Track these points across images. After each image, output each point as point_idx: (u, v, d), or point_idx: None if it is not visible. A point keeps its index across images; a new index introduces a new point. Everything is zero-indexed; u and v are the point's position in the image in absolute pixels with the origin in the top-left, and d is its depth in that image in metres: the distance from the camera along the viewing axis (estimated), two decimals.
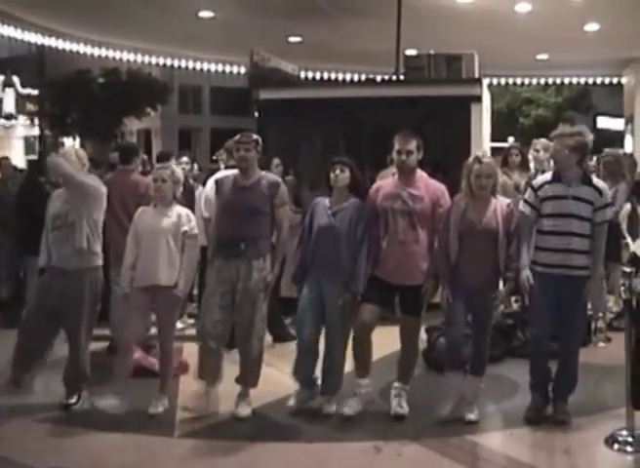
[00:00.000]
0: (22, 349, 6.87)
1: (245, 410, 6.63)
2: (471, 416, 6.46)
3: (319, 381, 6.82)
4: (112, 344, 8.16)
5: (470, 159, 6.50)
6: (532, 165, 10.33)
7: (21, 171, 14.55)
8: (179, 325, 8.43)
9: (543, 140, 9.81)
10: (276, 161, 9.69)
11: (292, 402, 6.79)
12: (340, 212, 6.63)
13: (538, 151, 9.73)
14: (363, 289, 6.52)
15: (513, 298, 10.18)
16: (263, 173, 6.91)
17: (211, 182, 8.37)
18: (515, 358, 8.18)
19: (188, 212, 6.94)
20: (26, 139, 32.30)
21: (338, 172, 6.66)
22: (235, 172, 6.95)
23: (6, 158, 12.40)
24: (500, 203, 6.46)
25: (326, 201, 6.74)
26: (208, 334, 6.65)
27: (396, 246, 6.48)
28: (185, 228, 6.75)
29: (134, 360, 7.48)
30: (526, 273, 6.41)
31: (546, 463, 5.66)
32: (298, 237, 6.95)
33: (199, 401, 6.86)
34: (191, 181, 10.53)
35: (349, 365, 6.79)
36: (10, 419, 6.57)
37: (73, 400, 6.81)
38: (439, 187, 6.63)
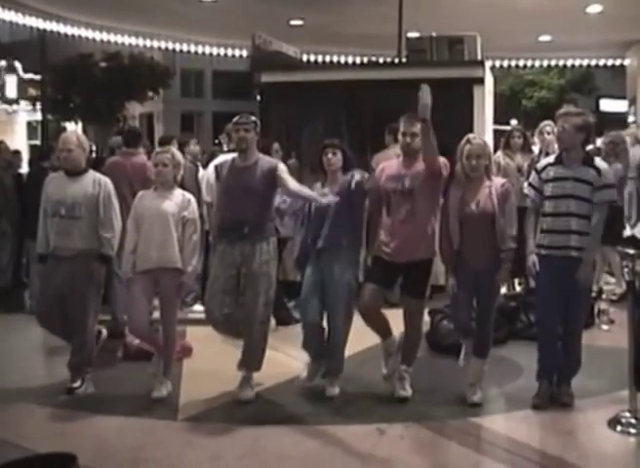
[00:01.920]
0: (53, 331, 7.04)
1: (248, 394, 6.64)
2: (475, 399, 6.47)
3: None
4: (114, 328, 8.17)
5: (462, 141, 6.49)
6: (536, 147, 10.33)
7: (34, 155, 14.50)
8: (198, 307, 8.51)
9: (552, 122, 9.84)
10: (276, 146, 9.56)
11: (304, 375, 6.82)
12: (333, 193, 6.62)
13: (548, 133, 9.72)
14: (363, 269, 6.55)
15: (517, 281, 10.20)
16: (261, 155, 6.88)
17: (212, 166, 8.35)
18: (518, 340, 8.19)
19: (190, 196, 6.93)
20: (29, 124, 32.32)
21: (330, 155, 6.67)
22: (234, 155, 6.93)
23: (1, 142, 12.38)
24: (495, 184, 6.44)
25: (319, 184, 6.78)
26: (216, 320, 6.65)
27: (399, 226, 6.47)
28: (185, 213, 6.74)
29: (137, 344, 7.51)
30: (532, 258, 6.40)
31: (550, 445, 5.65)
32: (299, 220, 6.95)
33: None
34: (197, 163, 10.56)
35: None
36: (13, 403, 6.59)
37: (77, 384, 6.81)
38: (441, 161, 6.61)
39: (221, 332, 6.79)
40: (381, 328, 6.68)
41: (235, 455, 5.60)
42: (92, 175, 6.93)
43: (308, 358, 6.87)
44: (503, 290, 7.99)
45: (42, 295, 6.99)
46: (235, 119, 6.83)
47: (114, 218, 6.86)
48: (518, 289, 10.14)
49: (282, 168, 6.72)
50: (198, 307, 9.21)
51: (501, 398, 6.86)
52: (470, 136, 6.61)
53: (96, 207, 6.78)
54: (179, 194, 6.82)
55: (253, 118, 6.80)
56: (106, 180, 6.97)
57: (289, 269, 8.49)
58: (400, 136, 6.61)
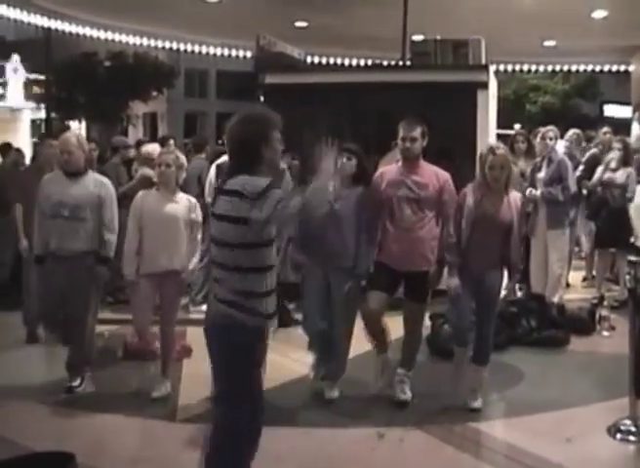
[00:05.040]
0: (56, 333, 7.15)
1: None
2: (475, 404, 6.46)
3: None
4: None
5: (485, 150, 6.48)
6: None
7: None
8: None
9: (555, 128, 9.87)
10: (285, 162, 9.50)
11: (312, 374, 6.87)
12: (342, 198, 6.61)
13: (551, 139, 9.72)
14: (367, 274, 6.53)
15: (517, 286, 10.18)
16: None
17: (214, 167, 8.34)
18: (519, 346, 8.19)
19: (192, 198, 6.91)
20: (33, 122, 32.31)
21: (344, 160, 6.61)
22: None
23: (9, 144, 12.41)
24: (514, 196, 6.43)
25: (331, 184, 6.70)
26: None
27: (401, 233, 6.47)
28: (192, 215, 6.73)
29: (137, 343, 7.50)
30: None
31: (548, 451, 5.62)
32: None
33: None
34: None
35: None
36: (12, 400, 6.58)
37: (77, 382, 6.81)
38: (443, 174, 6.59)
39: None
40: (381, 338, 6.68)
41: None
42: (92, 176, 6.92)
43: (313, 360, 6.89)
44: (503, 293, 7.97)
45: (45, 298, 6.96)
46: None
47: (115, 220, 6.85)
48: (519, 294, 10.13)
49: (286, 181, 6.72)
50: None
51: (501, 403, 6.85)
52: (494, 145, 6.64)
53: (98, 208, 6.77)
54: (183, 197, 6.80)
55: None
56: (108, 181, 6.97)
57: (289, 271, 8.46)
58: (400, 141, 6.58)
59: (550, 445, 5.76)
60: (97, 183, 6.84)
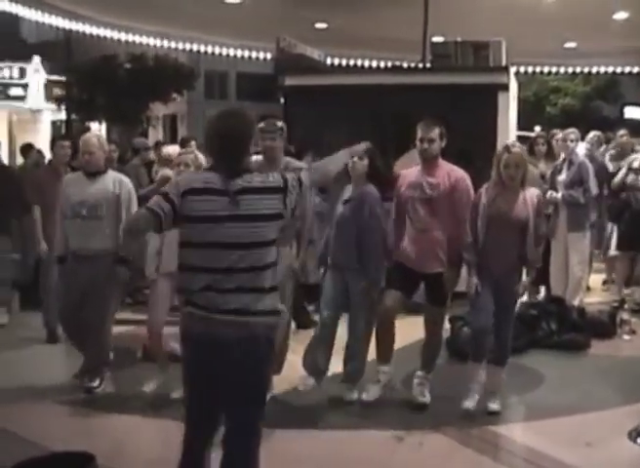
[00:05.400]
0: (72, 337, 7.09)
1: None
2: (494, 407, 6.43)
3: (328, 373, 6.82)
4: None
5: (500, 148, 6.44)
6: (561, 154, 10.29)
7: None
8: None
9: (576, 130, 9.85)
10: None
11: (301, 387, 6.80)
12: (351, 200, 6.61)
13: (572, 141, 9.69)
14: (378, 275, 6.54)
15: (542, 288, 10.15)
16: (287, 159, 6.79)
17: None
18: (539, 349, 8.15)
19: None
20: (53, 124, 32.41)
21: (355, 159, 6.57)
22: (257, 158, 6.87)
23: (31, 145, 12.47)
24: (530, 193, 6.39)
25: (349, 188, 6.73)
26: None
27: (418, 233, 6.47)
28: None
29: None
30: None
31: (568, 455, 5.59)
32: (324, 223, 6.94)
33: None
34: None
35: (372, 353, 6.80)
36: (31, 401, 6.61)
37: (96, 383, 6.82)
38: (457, 173, 6.56)
39: None
40: (388, 344, 6.62)
41: None
42: (111, 174, 6.94)
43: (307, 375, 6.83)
44: (525, 297, 7.94)
45: (65, 297, 6.98)
46: (261, 125, 6.70)
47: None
48: (539, 296, 10.08)
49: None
50: None
51: (521, 407, 6.83)
52: (509, 143, 6.60)
53: (116, 206, 6.77)
54: None
55: (279, 124, 6.65)
56: (127, 180, 6.98)
57: (309, 272, 8.46)
58: (417, 142, 6.56)
59: (570, 449, 5.73)
60: (115, 182, 6.86)
